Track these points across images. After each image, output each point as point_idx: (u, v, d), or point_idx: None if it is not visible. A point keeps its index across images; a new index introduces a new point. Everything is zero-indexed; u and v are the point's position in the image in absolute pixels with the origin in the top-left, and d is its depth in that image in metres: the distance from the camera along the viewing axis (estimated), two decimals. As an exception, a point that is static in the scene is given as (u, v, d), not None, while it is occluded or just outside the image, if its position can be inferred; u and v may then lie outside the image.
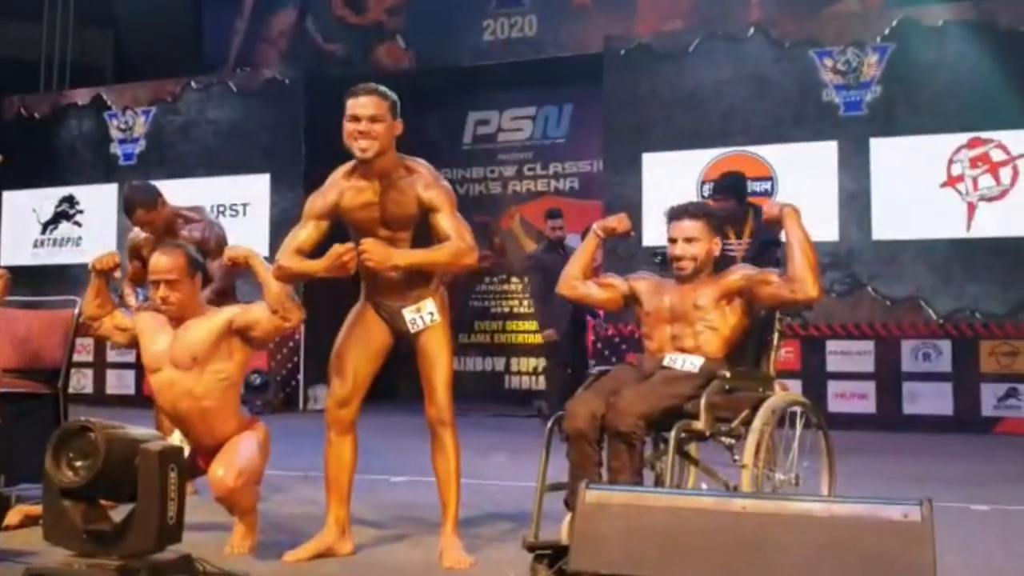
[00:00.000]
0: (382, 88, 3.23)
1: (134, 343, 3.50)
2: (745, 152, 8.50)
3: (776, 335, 3.38)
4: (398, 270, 3.16)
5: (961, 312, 7.72)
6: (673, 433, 2.94)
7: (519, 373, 10.28)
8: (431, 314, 3.29)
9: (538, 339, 10.12)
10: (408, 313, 3.29)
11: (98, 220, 10.27)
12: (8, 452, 3.95)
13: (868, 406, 7.83)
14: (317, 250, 3.21)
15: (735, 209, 5.71)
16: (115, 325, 3.52)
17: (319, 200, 3.27)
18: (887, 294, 7.95)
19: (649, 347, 3.38)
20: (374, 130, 3.14)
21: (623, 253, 8.03)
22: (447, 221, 3.16)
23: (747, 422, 3.09)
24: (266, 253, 9.98)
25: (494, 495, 4.41)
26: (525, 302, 10.35)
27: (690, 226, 3.36)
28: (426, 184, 3.20)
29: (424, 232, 3.22)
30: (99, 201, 10.31)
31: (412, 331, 3.29)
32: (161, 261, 3.34)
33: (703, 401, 3.04)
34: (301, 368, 9.52)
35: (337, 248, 3.07)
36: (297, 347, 9.52)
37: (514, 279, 10.40)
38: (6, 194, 10.72)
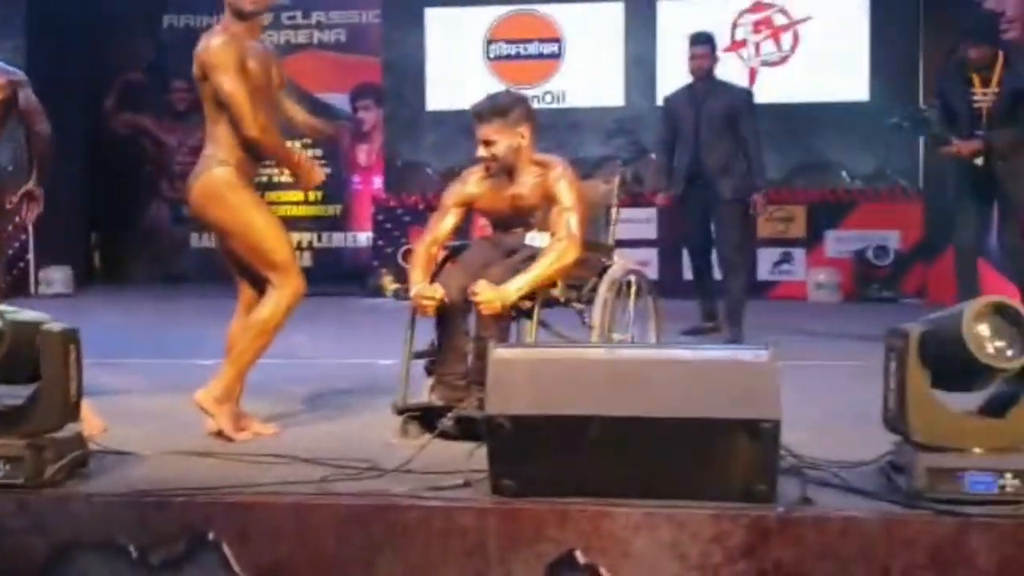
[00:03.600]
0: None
1: None
2: (533, 11, 9.33)
3: (615, 209, 4.25)
4: None
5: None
6: (538, 303, 3.75)
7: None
8: None
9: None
10: None
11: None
12: None
13: (651, 273, 9.05)
14: None
15: (989, 54, 5.64)
16: None
17: None
18: (672, 160, 9.11)
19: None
20: None
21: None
22: None
23: (594, 289, 3.96)
24: None
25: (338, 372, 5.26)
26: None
27: (487, 129, 3.82)
28: None
29: None
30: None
31: None
32: None
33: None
34: (31, 248, 9.55)
35: None
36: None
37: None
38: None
